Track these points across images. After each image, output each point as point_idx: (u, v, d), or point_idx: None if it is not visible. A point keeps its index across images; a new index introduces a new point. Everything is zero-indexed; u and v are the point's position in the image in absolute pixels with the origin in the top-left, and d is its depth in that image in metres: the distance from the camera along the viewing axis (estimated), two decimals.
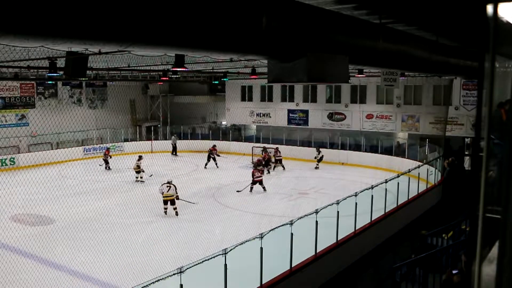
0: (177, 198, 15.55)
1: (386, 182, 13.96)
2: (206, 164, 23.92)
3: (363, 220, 12.55)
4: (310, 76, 5.22)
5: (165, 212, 15.43)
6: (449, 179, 19.00)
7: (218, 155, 24.34)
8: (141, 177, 20.31)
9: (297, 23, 5.09)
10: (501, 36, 1.66)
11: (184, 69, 11.95)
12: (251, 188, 18.55)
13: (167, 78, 19.98)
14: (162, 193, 15.39)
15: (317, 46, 5.39)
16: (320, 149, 24.75)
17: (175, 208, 15.42)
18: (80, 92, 30.32)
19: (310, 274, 10.12)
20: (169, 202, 15.46)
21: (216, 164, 23.95)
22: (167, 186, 15.46)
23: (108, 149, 25.24)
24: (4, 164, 23.49)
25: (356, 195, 11.93)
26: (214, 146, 25.25)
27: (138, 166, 20.39)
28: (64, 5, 3.14)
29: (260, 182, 18.68)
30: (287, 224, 9.46)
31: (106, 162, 24.13)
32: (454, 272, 8.07)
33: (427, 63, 9.50)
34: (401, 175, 15.64)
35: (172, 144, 28.56)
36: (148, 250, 11.72)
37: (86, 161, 25.85)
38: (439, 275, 9.55)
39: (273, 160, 24.88)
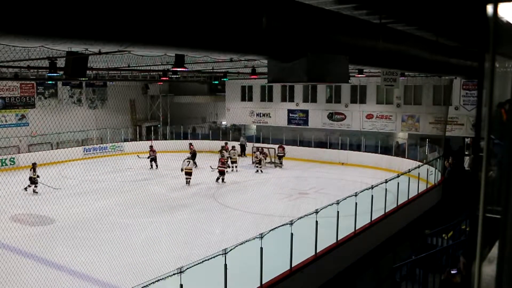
0: (195, 166, 20.08)
1: (386, 182, 13.96)
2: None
3: (363, 220, 12.55)
4: (310, 76, 5.22)
5: (187, 182, 19.66)
6: (449, 179, 19.01)
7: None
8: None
9: (297, 23, 5.09)
10: (501, 36, 1.66)
11: (184, 69, 11.95)
12: (219, 178, 20.37)
13: (167, 78, 19.99)
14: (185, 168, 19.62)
15: (317, 46, 5.39)
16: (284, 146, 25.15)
17: (189, 178, 19.63)
18: (80, 92, 30.31)
19: (310, 274, 10.12)
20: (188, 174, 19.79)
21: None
22: (187, 161, 19.75)
23: (151, 146, 24.88)
24: (4, 164, 23.49)
25: (356, 195, 11.93)
26: (191, 144, 25.61)
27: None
28: (64, 5, 3.14)
29: (222, 173, 20.42)
30: (287, 224, 9.46)
31: (153, 160, 23.97)
32: (453, 272, 8.06)
33: (427, 63, 9.50)
34: (401, 175, 15.65)
35: (240, 144, 27.65)
36: (148, 250, 11.72)
37: (86, 161, 25.86)
38: (439, 275, 9.55)
39: (270, 160, 24.96)
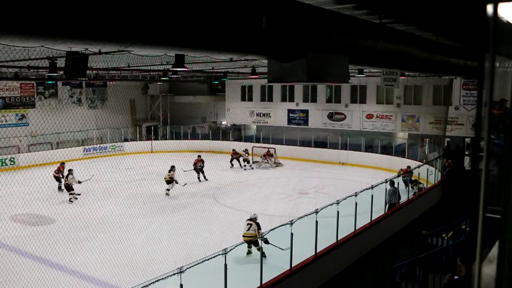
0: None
1: (386, 182, 13.96)
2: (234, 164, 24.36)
3: (363, 220, 12.54)
4: (310, 76, 5.22)
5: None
6: (449, 179, 19.02)
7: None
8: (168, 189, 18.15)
9: (297, 23, 5.09)
10: (501, 36, 1.66)
11: (184, 69, 11.95)
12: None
13: (167, 78, 19.98)
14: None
15: (317, 46, 5.39)
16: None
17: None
18: (80, 92, 30.32)
19: (310, 274, 10.11)
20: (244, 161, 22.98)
21: (240, 165, 24.36)
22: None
23: (199, 156, 21.45)
24: (4, 164, 23.49)
25: (356, 195, 11.92)
26: (234, 150, 24.92)
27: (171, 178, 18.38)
28: (64, 5, 3.14)
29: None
30: (287, 224, 9.46)
31: (200, 171, 20.75)
32: (455, 277, 8.04)
33: (427, 63, 9.50)
34: (401, 175, 15.64)
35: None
36: (148, 250, 11.72)
37: (86, 161, 25.84)
38: (439, 275, 9.55)
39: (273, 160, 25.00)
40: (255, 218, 11.46)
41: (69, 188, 17.17)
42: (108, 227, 13.32)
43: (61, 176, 18.51)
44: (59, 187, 18.53)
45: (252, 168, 24.15)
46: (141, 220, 14.49)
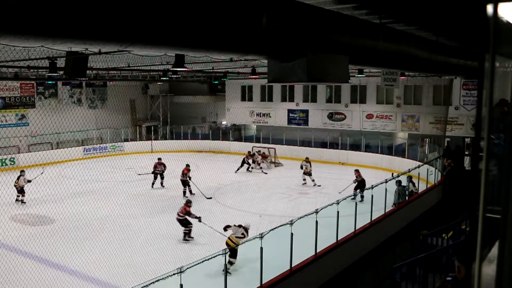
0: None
1: (386, 182, 13.96)
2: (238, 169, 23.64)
3: (363, 220, 12.54)
4: (310, 76, 5.22)
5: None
6: (449, 179, 19.02)
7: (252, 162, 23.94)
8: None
9: (297, 23, 5.09)
10: (501, 36, 1.65)
11: (184, 69, 11.96)
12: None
13: (167, 78, 19.99)
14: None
15: (317, 46, 5.39)
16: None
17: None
18: (80, 92, 30.33)
19: (310, 274, 10.12)
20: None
21: (248, 168, 23.68)
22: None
23: (160, 158, 20.28)
24: (4, 164, 23.49)
25: (355, 195, 11.93)
26: (249, 152, 24.40)
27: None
28: (64, 5, 3.14)
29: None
30: (287, 224, 9.46)
31: (158, 176, 19.68)
32: (448, 278, 8.03)
33: (427, 63, 9.51)
34: (401, 175, 15.65)
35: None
36: (148, 250, 11.72)
37: (86, 161, 25.86)
38: (439, 275, 9.55)
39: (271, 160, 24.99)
40: (246, 228, 10.75)
41: (21, 190, 16.68)
42: (108, 227, 13.32)
43: (188, 178, 17.84)
44: (190, 191, 17.86)
45: (265, 172, 23.44)
46: (141, 220, 14.48)
